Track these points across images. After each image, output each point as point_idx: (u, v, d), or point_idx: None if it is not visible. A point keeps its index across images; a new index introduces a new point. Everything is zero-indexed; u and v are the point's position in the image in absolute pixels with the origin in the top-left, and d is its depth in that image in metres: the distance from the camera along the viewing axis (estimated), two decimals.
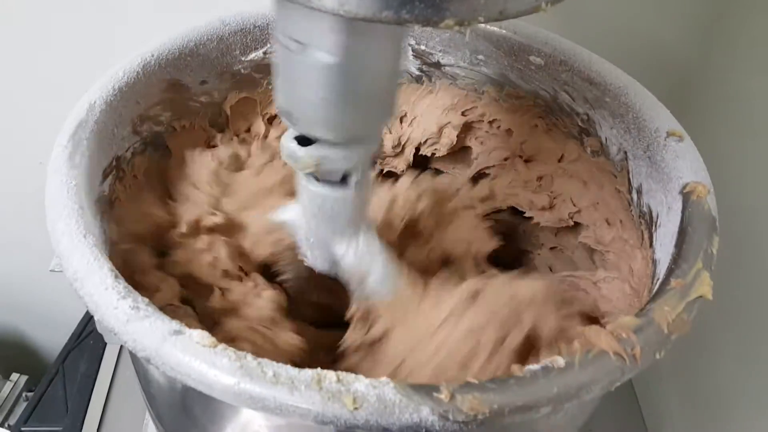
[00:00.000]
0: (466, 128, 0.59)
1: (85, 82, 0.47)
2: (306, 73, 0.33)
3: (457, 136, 0.58)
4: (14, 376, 1.02)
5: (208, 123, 0.56)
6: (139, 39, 0.50)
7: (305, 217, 0.43)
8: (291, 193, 0.50)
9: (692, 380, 0.71)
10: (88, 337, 0.80)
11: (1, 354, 1.07)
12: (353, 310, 0.45)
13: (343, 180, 0.39)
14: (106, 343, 0.78)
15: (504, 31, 0.53)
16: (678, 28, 0.67)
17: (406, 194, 0.52)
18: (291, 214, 0.46)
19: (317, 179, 0.40)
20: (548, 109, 0.54)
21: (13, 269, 1.01)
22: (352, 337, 0.45)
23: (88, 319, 0.82)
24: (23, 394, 1.00)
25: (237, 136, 0.57)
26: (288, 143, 0.37)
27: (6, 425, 0.95)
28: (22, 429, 0.73)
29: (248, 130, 0.58)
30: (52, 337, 1.09)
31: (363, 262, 0.44)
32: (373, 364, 0.44)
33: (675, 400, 0.74)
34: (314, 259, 0.46)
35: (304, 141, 0.37)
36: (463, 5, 0.27)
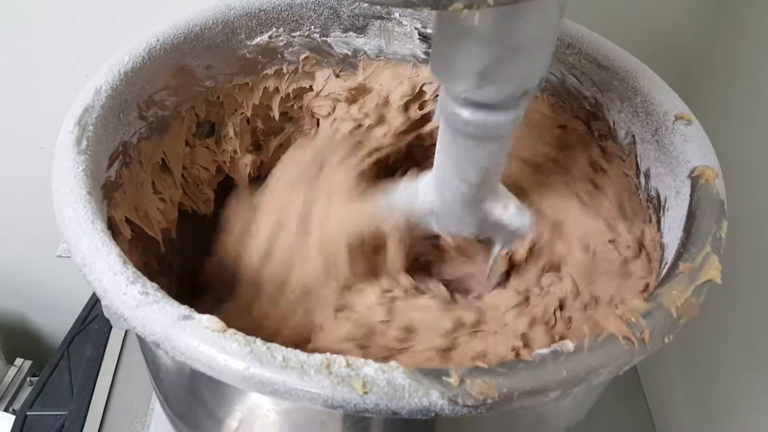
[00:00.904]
0: None
1: (88, 66, 0.47)
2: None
3: None
4: (18, 360, 1.02)
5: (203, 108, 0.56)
6: (144, 23, 0.50)
7: (462, 183, 0.44)
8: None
9: (698, 370, 0.71)
10: (93, 322, 0.80)
11: (6, 339, 1.08)
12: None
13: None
14: (111, 328, 0.78)
15: None
16: (685, 10, 0.67)
17: None
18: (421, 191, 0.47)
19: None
20: (556, 93, 0.54)
21: (18, 254, 1.01)
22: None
23: (93, 303, 0.82)
24: (28, 379, 1.00)
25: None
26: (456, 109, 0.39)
27: (11, 410, 0.96)
28: (27, 413, 0.73)
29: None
30: (56, 321, 1.10)
31: (517, 219, 0.47)
32: None
33: (681, 390, 0.74)
34: (462, 227, 0.47)
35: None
36: None
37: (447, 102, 0.39)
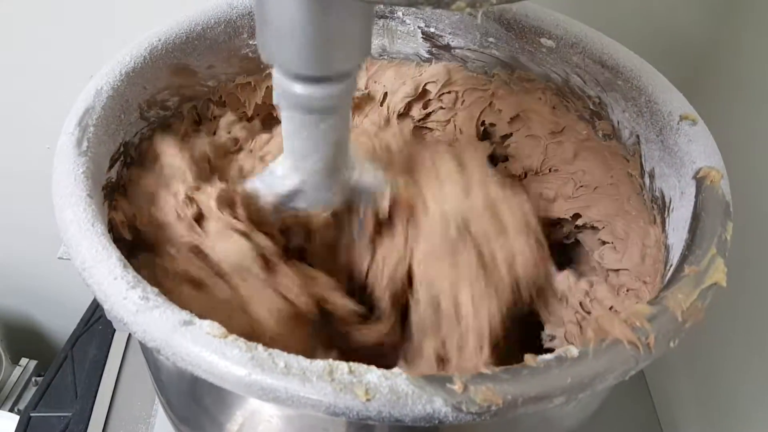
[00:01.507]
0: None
1: (92, 65, 0.46)
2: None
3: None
4: (24, 361, 1.02)
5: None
6: (146, 22, 0.50)
7: (317, 160, 0.44)
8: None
9: (704, 370, 0.71)
10: (97, 323, 0.80)
11: (11, 339, 1.08)
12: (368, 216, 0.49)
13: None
14: (114, 329, 0.78)
15: (515, 12, 0.52)
16: (691, 10, 0.66)
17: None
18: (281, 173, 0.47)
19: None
20: (559, 92, 0.54)
21: (22, 255, 1.02)
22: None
23: (97, 304, 0.82)
24: (33, 379, 1.00)
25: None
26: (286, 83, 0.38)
27: (15, 410, 0.96)
28: (32, 414, 0.73)
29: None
30: (61, 322, 1.10)
31: (375, 179, 0.47)
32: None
33: (687, 390, 0.74)
34: (330, 196, 0.46)
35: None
36: None
37: (282, 82, 0.39)
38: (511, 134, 0.58)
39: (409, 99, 0.58)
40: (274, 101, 0.40)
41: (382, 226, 0.50)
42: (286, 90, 0.38)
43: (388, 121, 0.58)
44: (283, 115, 0.41)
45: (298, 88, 0.38)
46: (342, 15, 0.34)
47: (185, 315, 0.32)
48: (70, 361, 0.77)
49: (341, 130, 0.42)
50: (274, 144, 0.53)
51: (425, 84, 0.58)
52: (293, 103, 0.39)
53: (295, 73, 0.37)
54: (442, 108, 0.59)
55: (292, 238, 0.50)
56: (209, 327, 0.31)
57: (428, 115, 0.59)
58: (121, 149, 0.46)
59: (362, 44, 0.37)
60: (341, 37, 0.35)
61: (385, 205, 0.48)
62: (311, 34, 0.34)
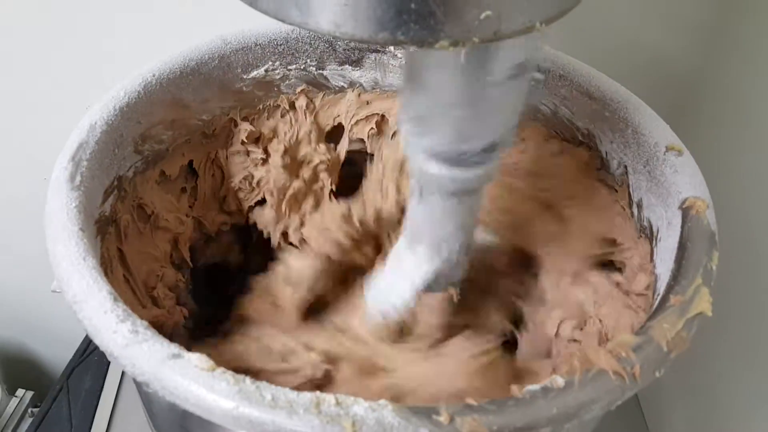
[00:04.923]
0: None
1: (90, 96, 0.47)
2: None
3: None
4: (20, 392, 1.02)
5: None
6: (142, 56, 0.50)
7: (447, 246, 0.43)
8: None
9: (698, 394, 0.71)
10: (92, 354, 0.80)
11: (7, 370, 1.07)
12: None
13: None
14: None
15: None
16: (679, 41, 0.67)
17: None
18: None
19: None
20: (549, 124, 0.54)
21: (18, 285, 1.01)
22: None
23: None
24: (29, 410, 1.00)
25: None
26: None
27: None
28: None
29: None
30: (57, 352, 1.09)
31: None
32: None
33: (681, 415, 0.74)
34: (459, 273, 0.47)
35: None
36: (457, 26, 0.27)
37: (419, 161, 0.38)
38: None
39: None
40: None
41: None
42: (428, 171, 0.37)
43: None
44: (418, 199, 0.41)
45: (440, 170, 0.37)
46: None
47: (174, 348, 0.32)
48: (65, 392, 0.76)
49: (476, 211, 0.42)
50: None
51: None
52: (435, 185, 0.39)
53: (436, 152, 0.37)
54: None
55: None
56: (197, 360, 0.31)
57: None
58: (115, 183, 0.47)
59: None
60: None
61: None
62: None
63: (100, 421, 0.71)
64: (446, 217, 0.41)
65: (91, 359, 0.79)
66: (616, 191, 0.51)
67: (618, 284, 0.49)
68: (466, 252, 0.45)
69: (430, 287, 0.45)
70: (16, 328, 1.10)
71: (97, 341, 0.34)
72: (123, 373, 0.76)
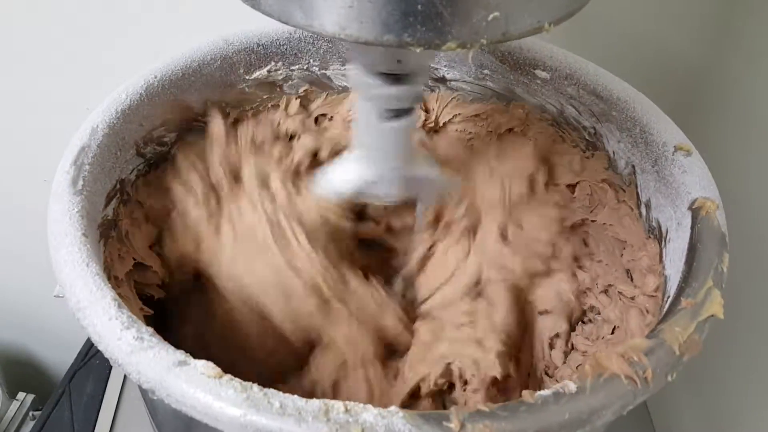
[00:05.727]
0: None
1: (90, 96, 0.47)
2: None
3: None
4: (21, 395, 1.01)
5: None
6: (144, 56, 0.50)
7: (381, 157, 0.46)
8: None
9: (705, 395, 0.70)
10: (94, 357, 0.79)
11: (9, 373, 1.07)
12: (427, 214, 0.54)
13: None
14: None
15: (509, 45, 0.52)
16: (686, 38, 0.67)
17: None
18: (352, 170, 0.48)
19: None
20: (555, 123, 0.54)
21: (20, 289, 1.01)
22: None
23: None
24: (30, 413, 0.99)
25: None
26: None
27: None
28: None
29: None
30: (59, 356, 1.09)
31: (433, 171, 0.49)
32: None
33: (688, 416, 0.73)
34: (399, 189, 0.48)
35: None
36: (465, 28, 0.27)
37: (362, 78, 0.40)
38: None
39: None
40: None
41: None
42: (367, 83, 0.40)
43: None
44: (361, 112, 0.43)
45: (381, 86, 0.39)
46: None
47: (180, 355, 0.32)
48: (67, 396, 0.76)
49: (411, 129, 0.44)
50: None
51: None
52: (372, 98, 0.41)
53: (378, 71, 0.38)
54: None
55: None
56: (204, 367, 0.31)
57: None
58: (117, 186, 0.46)
59: None
60: None
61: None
62: None
63: (103, 426, 0.71)
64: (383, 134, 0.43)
65: (93, 363, 0.79)
66: (624, 191, 0.50)
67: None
68: (399, 173, 0.47)
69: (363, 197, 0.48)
70: (18, 331, 1.09)
71: (101, 348, 0.33)
72: (125, 378, 0.76)
